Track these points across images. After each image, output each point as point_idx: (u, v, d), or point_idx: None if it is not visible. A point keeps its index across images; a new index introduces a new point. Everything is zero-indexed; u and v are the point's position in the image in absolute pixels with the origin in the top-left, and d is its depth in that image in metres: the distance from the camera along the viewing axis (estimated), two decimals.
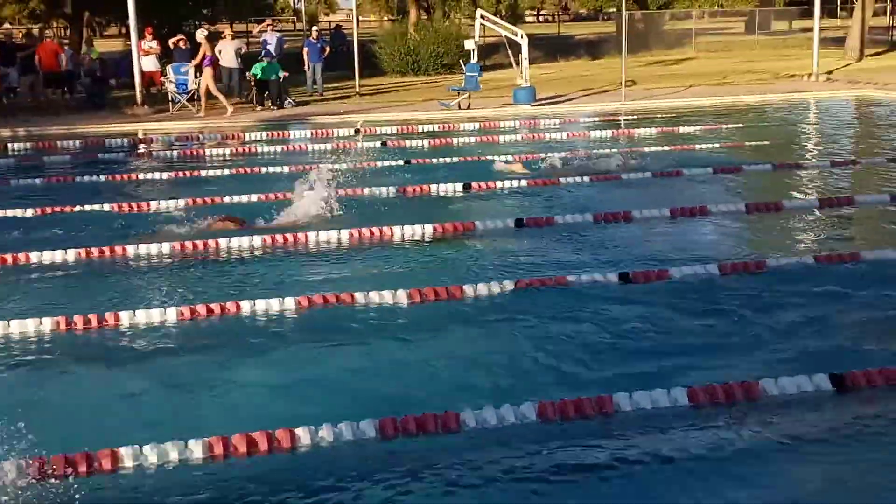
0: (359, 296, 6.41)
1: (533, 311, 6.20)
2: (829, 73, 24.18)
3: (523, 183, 10.64)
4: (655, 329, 5.81)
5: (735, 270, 6.88)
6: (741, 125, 15.36)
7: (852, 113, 17.93)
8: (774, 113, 17.49)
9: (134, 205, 9.99)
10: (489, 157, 12.36)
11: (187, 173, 12.01)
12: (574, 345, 5.57)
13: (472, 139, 14.89)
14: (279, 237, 8.12)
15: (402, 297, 6.41)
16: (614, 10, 43.19)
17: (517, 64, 19.37)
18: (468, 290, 6.52)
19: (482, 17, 19.67)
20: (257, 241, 8.06)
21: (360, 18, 45.86)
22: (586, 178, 10.70)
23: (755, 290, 6.52)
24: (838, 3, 52.33)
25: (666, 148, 13.02)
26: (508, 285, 6.59)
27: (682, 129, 15.08)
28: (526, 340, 5.70)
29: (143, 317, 6.12)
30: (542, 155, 12.15)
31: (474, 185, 10.47)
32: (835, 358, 5.17)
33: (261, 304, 6.30)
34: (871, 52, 32.80)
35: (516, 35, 19.02)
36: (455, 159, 12.66)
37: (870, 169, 11.05)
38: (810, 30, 25.44)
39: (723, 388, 4.62)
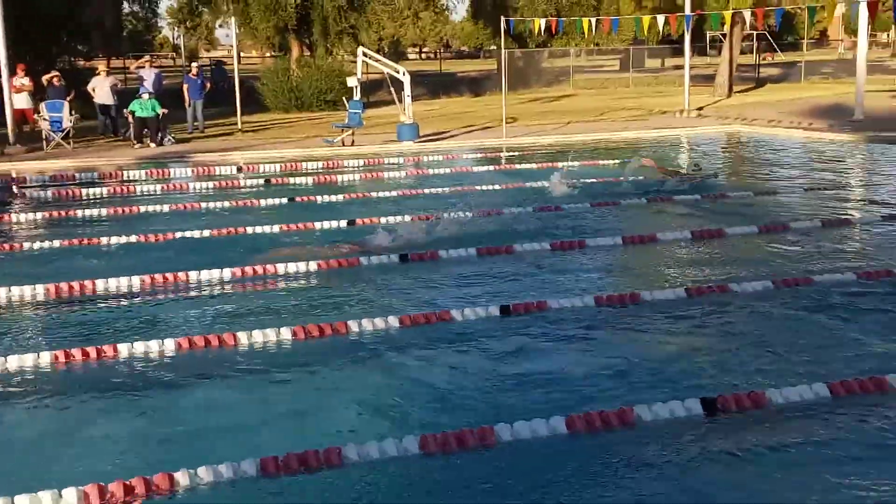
0: (242, 335, 6.34)
1: (418, 344, 6.25)
2: (700, 109, 25.19)
3: (407, 217, 10.72)
4: (534, 360, 5.93)
5: (611, 302, 7.08)
6: (618, 161, 15.85)
7: (722, 147, 18.70)
8: (649, 148, 18.08)
9: (6, 245, 9.66)
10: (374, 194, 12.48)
11: (62, 213, 11.66)
12: (455, 377, 5.63)
13: (357, 176, 14.93)
14: (158, 277, 7.97)
15: (286, 334, 6.38)
16: (495, 47, 43.99)
17: (400, 101, 19.56)
18: (353, 325, 6.54)
19: (364, 53, 19.80)
20: (136, 280, 7.90)
21: (242, 54, 45.50)
22: (469, 214, 10.87)
23: (630, 321, 6.73)
24: (708, 42, 54.61)
25: (545, 183, 13.29)
26: (392, 321, 6.64)
27: (561, 165, 15.43)
28: (410, 373, 5.73)
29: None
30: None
31: (359, 221, 10.51)
32: (706, 383, 5.38)
33: (139, 347, 6.16)
34: (739, 88, 34.33)
35: (398, 72, 19.21)
36: (339, 196, 12.68)
37: (738, 201, 11.53)
38: (682, 67, 26.45)
39: (599, 415, 4.75)
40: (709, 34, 51.20)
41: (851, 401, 5.06)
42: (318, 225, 10.30)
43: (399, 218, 10.69)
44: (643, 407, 4.86)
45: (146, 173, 15.29)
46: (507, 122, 20.54)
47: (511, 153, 17.63)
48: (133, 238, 9.86)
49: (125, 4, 36.91)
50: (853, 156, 15.97)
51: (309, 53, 32.24)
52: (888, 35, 78.38)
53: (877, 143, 17.17)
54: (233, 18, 26.18)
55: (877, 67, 43.31)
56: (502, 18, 20.23)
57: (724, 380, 5.48)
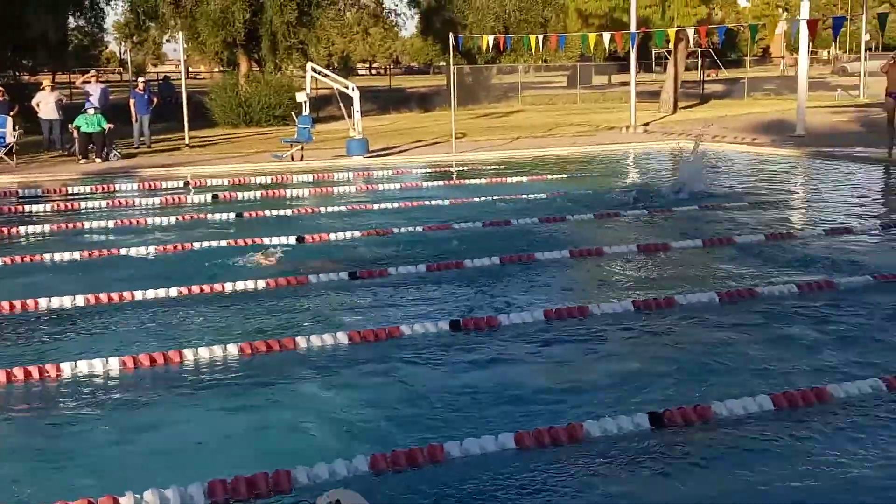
0: (188, 353, 6.27)
1: (368, 361, 6.24)
2: (646, 125, 25.53)
3: (357, 234, 10.70)
4: (484, 375, 5.94)
5: (559, 316, 7.12)
6: (565, 176, 16.00)
7: (667, 163, 18.95)
8: (596, 164, 18.29)
9: None
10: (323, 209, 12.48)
11: (3, 230, 11.46)
12: (405, 393, 5.63)
13: (306, 191, 14.88)
14: (103, 296, 7.85)
15: (233, 351, 6.33)
16: (444, 63, 44.18)
17: (349, 116, 19.55)
18: (301, 342, 6.51)
19: (313, 69, 19.77)
20: (79, 299, 7.78)
21: (190, 69, 45.15)
22: (419, 229, 10.90)
23: (579, 335, 6.78)
24: (653, 58, 55.38)
25: (494, 198, 13.37)
26: (342, 337, 6.62)
27: (510, 180, 15.54)
28: (360, 391, 5.71)
29: None
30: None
31: (308, 237, 10.47)
32: (653, 397, 5.44)
33: (82, 366, 6.07)
34: (684, 104, 34.83)
35: (347, 88, 19.20)
36: (288, 211, 12.62)
37: (683, 216, 11.69)
38: (628, 84, 26.79)
39: (548, 431, 4.77)
40: (654, 51, 51.91)
41: (794, 413, 5.14)
42: (266, 240, 10.23)
43: (349, 234, 10.67)
44: (592, 423, 4.89)
45: (91, 189, 15.08)
46: (456, 138, 20.62)
47: (460, 168, 17.70)
48: (77, 255, 9.72)
49: (71, 19, 36.37)
50: (795, 170, 16.28)
51: (258, 68, 32.11)
52: (829, 52, 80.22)
53: (818, 158, 17.52)
54: (180, 33, 26.03)
55: (818, 84, 44.26)
56: (451, 35, 20.32)
57: (672, 393, 5.53)
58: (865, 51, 42.56)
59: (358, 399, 5.59)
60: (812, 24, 18.75)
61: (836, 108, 30.65)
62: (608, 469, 4.57)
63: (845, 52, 76.46)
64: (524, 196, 13.55)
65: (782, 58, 68.71)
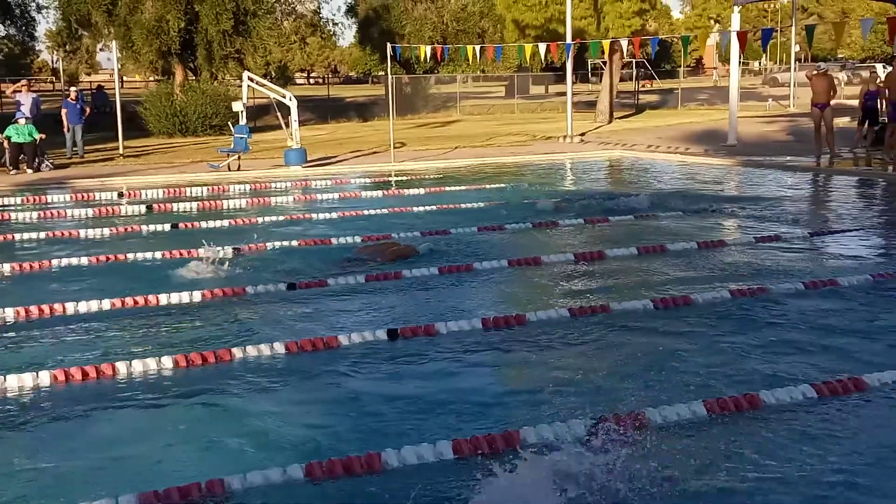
0: (121, 366, 6.18)
1: (305, 371, 6.21)
2: (583, 134, 25.82)
3: (294, 243, 10.65)
4: (422, 384, 5.96)
5: (497, 324, 7.17)
6: (503, 185, 16.11)
7: (603, 172, 19.20)
8: (534, 173, 18.44)
9: None
10: (261, 219, 12.43)
11: None
12: (343, 402, 5.62)
13: (242, 201, 14.76)
14: (34, 309, 7.71)
15: (167, 363, 6.26)
16: (383, 73, 44.25)
17: (287, 125, 19.45)
18: (237, 353, 6.46)
19: (250, 78, 19.63)
20: (9, 312, 7.62)
21: (125, 79, 44.50)
22: (357, 238, 10.88)
23: (517, 342, 6.84)
24: (589, 69, 56.03)
25: (433, 207, 13.41)
26: (279, 347, 6.58)
27: (448, 189, 15.60)
28: (296, 400, 5.69)
29: None
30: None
31: (244, 247, 10.39)
32: (589, 404, 5.49)
33: (12, 381, 5.94)
34: (620, 114, 35.34)
35: (285, 97, 19.10)
36: (225, 222, 12.50)
37: (618, 225, 11.84)
38: (565, 94, 27.08)
39: (486, 438, 4.80)
40: (590, 62, 52.54)
41: (727, 418, 5.23)
42: (201, 251, 10.12)
43: (287, 244, 10.61)
44: (529, 429, 4.93)
45: (22, 200, 14.78)
46: (395, 147, 20.63)
47: (400, 178, 17.72)
48: (7, 267, 9.52)
49: (0, 27, 35.64)
50: (727, 179, 16.60)
51: (194, 78, 31.77)
52: (759, 63, 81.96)
53: (749, 167, 17.91)
54: (114, 42, 25.64)
55: (749, 94, 45.24)
56: (388, 45, 20.35)
57: (607, 400, 5.59)
58: (795, 61, 43.58)
59: (295, 409, 5.56)
60: (742, 36, 19.15)
61: (767, 117, 31.35)
62: (545, 476, 4.60)
63: (776, 62, 78.22)
64: (463, 205, 13.61)
65: (714, 68, 70.04)
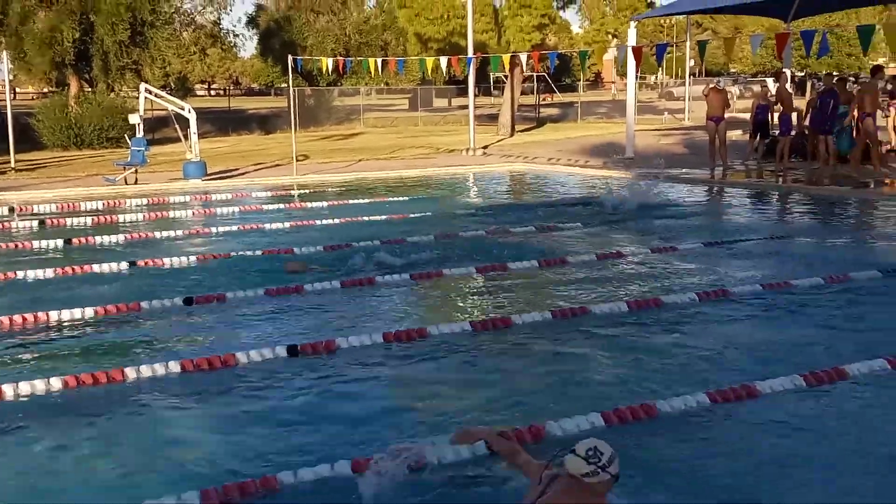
0: (7, 388, 5.94)
1: (200, 390, 6.08)
2: (485, 147, 26.03)
3: (193, 258, 10.43)
4: (322, 401, 5.88)
5: (399, 338, 7.14)
6: (406, 198, 16.10)
7: (505, 184, 19.38)
8: (437, 185, 18.51)
9: None
10: (158, 234, 12.16)
11: None
12: (240, 422, 5.51)
13: (140, 215, 14.41)
14: None
15: (56, 384, 6.04)
16: (286, 85, 43.93)
17: (186, 138, 19.10)
18: (130, 373, 6.27)
19: (147, 90, 19.22)
20: None
21: (17, 90, 43.12)
22: (258, 253, 10.73)
23: (417, 357, 6.81)
24: (492, 82, 56.58)
25: (336, 221, 13.32)
26: (174, 366, 6.42)
27: (351, 202, 15.53)
28: (192, 422, 5.55)
29: None
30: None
31: (140, 262, 10.15)
32: (489, 418, 5.51)
33: None
34: (522, 128, 35.75)
35: (184, 109, 18.76)
36: (121, 237, 12.18)
37: (520, 237, 11.94)
38: (468, 107, 27.26)
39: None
40: (492, 75, 53.07)
41: (625, 429, 5.30)
42: (95, 268, 9.84)
43: (185, 258, 10.39)
44: (426, 444, 4.90)
45: None
46: (298, 160, 20.46)
47: (302, 191, 17.57)
48: None
49: None
50: (625, 191, 16.89)
51: (90, 89, 30.97)
52: (656, 77, 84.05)
53: (646, 179, 18.28)
54: (5, 52, 24.80)
55: (646, 108, 46.33)
56: (290, 57, 20.18)
57: (506, 414, 5.61)
58: (690, 76, 44.82)
59: (190, 430, 5.43)
60: (638, 51, 19.58)
61: (664, 131, 32.12)
62: (446, 491, 4.60)
63: (672, 77, 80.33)
64: (366, 218, 13.55)
65: (613, 83, 71.56)
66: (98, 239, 11.98)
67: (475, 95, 26.99)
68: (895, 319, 7.81)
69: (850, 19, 58.15)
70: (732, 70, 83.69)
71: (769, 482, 4.67)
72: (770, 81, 23.22)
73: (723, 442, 5.22)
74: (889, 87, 21.81)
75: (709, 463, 4.92)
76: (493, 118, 36.53)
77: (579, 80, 60.36)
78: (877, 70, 18.76)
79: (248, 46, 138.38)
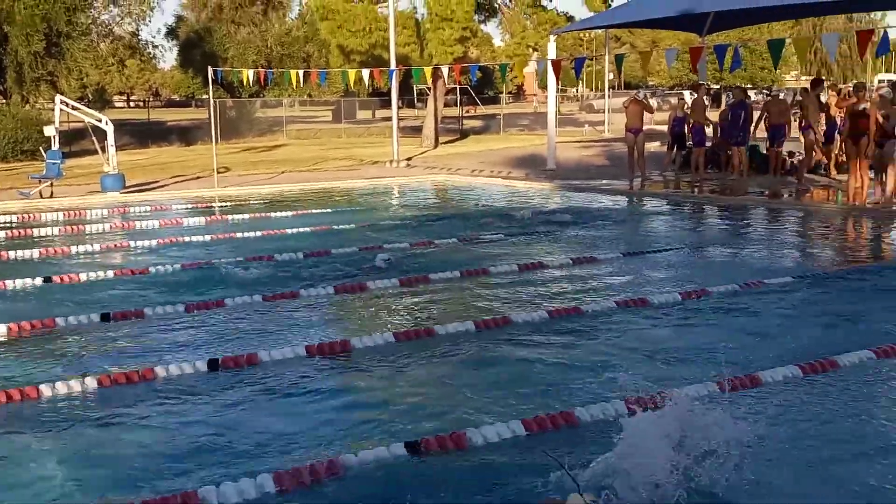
0: None
1: (118, 406, 5.97)
2: (409, 159, 26.10)
3: (110, 273, 10.25)
4: (243, 415, 5.84)
5: (322, 351, 7.12)
6: (330, 210, 16.06)
7: (429, 196, 19.45)
8: (360, 197, 18.50)
9: None
10: (74, 248, 11.92)
11: None
12: (159, 439, 5.43)
13: (55, 229, 14.10)
14: None
15: None
16: (206, 96, 43.45)
17: (103, 150, 18.76)
18: (45, 389, 6.14)
19: (63, 102, 18.83)
20: None
21: None
22: (177, 266, 10.60)
23: (341, 369, 6.81)
24: (415, 94, 56.77)
25: (259, 234, 13.22)
26: (90, 382, 6.30)
27: (274, 215, 15.43)
28: (108, 439, 5.46)
29: None
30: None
31: (56, 278, 9.93)
32: (413, 427, 5.53)
33: None
34: (445, 139, 35.92)
35: (101, 121, 18.43)
36: (35, 252, 11.89)
37: (443, 248, 12.00)
38: (391, 119, 27.33)
39: (308, 469, 4.74)
40: (416, 87, 53.23)
41: (545, 437, 5.37)
42: (9, 283, 9.60)
43: (102, 273, 10.20)
44: (350, 455, 4.91)
45: None
46: (219, 172, 20.25)
47: (223, 203, 17.38)
48: None
49: None
50: (547, 202, 17.13)
51: (3, 101, 30.19)
52: (577, 90, 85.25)
53: (567, 190, 18.56)
54: None
55: (567, 120, 46.98)
56: (210, 68, 19.98)
57: (429, 423, 5.63)
58: (609, 89, 45.59)
59: (107, 447, 5.33)
60: (556, 64, 19.87)
61: (584, 142, 32.61)
62: (368, 501, 4.61)
63: (592, 89, 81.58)
64: (288, 230, 13.48)
65: (534, 95, 72.38)
66: (12, 254, 11.67)
67: (399, 107, 27.08)
68: (807, 325, 8.05)
69: (762, 34, 59.81)
70: (651, 83, 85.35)
71: (685, 490, 4.77)
72: (687, 94, 23.76)
73: (641, 447, 5.31)
74: (800, 98, 22.52)
75: (630, 468, 4.99)
76: (417, 130, 36.64)
77: (502, 92, 60.95)
78: (817, 83, 19.24)
79: (168, 58, 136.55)
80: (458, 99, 48.02)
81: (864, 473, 4.87)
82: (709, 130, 20.17)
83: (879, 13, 64.35)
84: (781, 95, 20.26)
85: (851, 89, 17.38)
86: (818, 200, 16.09)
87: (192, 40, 45.93)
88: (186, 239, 12.79)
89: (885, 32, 15.72)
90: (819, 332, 7.76)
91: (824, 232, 13.47)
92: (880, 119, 14.62)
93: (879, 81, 54.57)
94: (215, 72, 20.13)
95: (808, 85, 20.18)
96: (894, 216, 14.08)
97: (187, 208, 17.01)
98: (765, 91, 60.11)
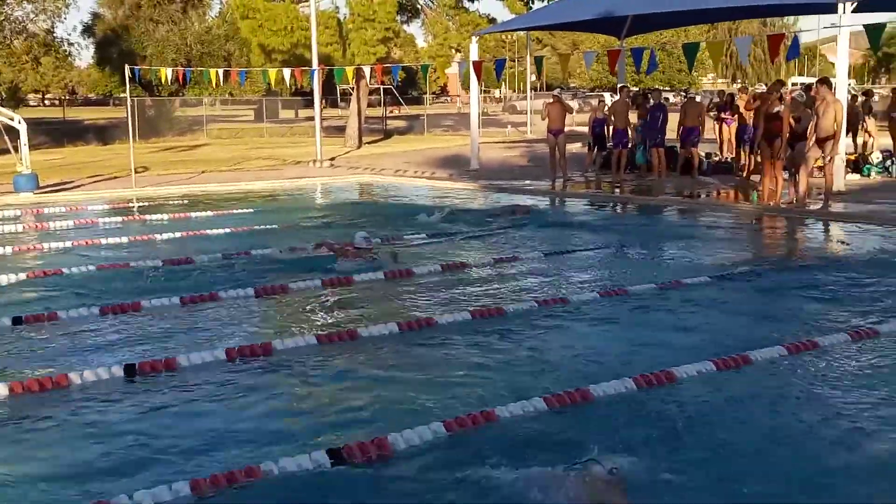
0: None
1: (30, 414, 5.80)
2: (332, 159, 25.96)
3: (22, 276, 9.96)
4: (161, 421, 5.72)
5: (242, 354, 7.02)
6: (252, 210, 15.87)
7: (352, 196, 19.36)
8: (283, 198, 18.33)
9: None
10: None
11: None
12: (73, 445, 5.30)
13: None
14: None
15: None
16: (124, 94, 42.59)
17: (16, 149, 18.25)
18: None
19: None
20: None
21: None
22: (92, 268, 10.36)
23: (262, 373, 6.72)
24: (339, 94, 56.48)
25: (178, 234, 13.00)
26: (1, 389, 6.11)
27: (194, 215, 15.19)
28: (19, 448, 5.30)
29: None
30: None
31: None
32: (336, 434, 5.48)
33: None
34: (369, 139, 35.83)
35: (13, 120, 17.93)
36: None
37: (362, 250, 11.91)
38: (314, 118, 27.13)
39: (225, 476, 4.67)
40: (339, 87, 52.97)
41: (465, 437, 5.37)
42: None
43: (13, 276, 9.91)
44: (270, 463, 4.84)
45: None
46: (137, 172, 19.87)
47: (141, 203, 17.05)
48: None
49: None
50: (470, 202, 17.19)
51: None
52: (500, 91, 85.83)
53: (490, 190, 18.66)
54: None
55: (491, 121, 47.25)
56: (127, 66, 19.58)
57: (352, 428, 5.59)
58: (531, 90, 45.98)
59: (19, 457, 5.18)
60: (478, 66, 19.96)
61: (507, 143, 32.85)
62: None
63: (515, 91, 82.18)
64: (208, 231, 13.28)
65: (457, 96, 72.66)
66: None
67: (322, 107, 26.90)
68: (722, 322, 8.23)
69: (680, 37, 60.96)
70: (572, 85, 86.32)
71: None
72: (607, 96, 24.07)
73: (564, 443, 5.35)
74: (716, 100, 23.03)
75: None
76: (341, 130, 36.46)
77: (425, 92, 61.02)
78: (780, 84, 19.48)
79: (85, 55, 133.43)
80: (382, 99, 47.93)
81: (770, 465, 4.99)
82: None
83: (792, 18, 66.25)
84: (698, 98, 20.60)
85: (759, 92, 17.82)
86: (734, 201, 16.45)
87: (109, 38, 44.99)
88: (102, 240, 12.50)
89: (796, 37, 16.18)
90: (734, 329, 7.94)
91: (740, 232, 13.79)
92: (793, 122, 15.01)
93: (793, 84, 56.14)
94: (133, 70, 19.74)
95: (724, 87, 20.60)
96: (807, 216, 14.48)
97: (104, 209, 16.64)
98: (682, 93, 61.37)
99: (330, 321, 8.39)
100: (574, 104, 41.58)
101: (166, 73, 20.98)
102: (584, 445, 5.05)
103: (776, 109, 15.00)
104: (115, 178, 21.23)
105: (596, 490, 4.42)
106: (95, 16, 49.37)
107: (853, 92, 23.26)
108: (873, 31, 15.14)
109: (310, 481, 4.78)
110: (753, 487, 4.76)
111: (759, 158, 16.71)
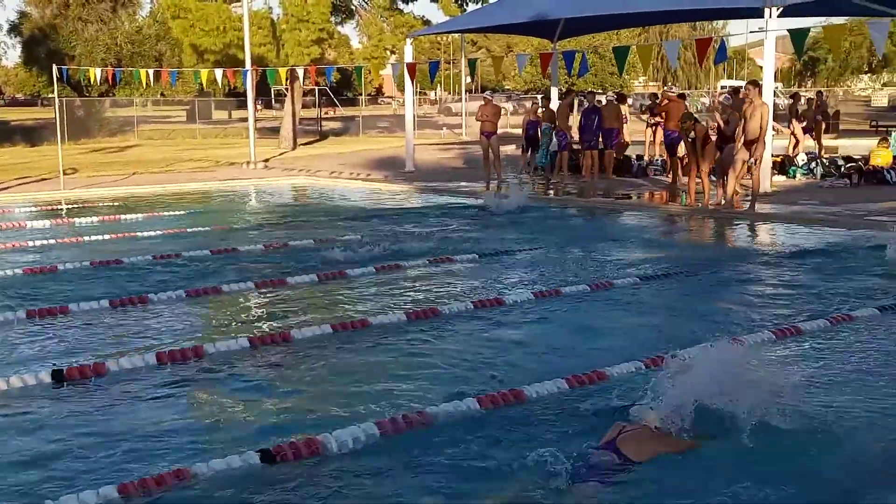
0: None
1: None
2: (267, 160, 25.78)
3: None
4: (87, 426, 5.63)
5: (174, 358, 6.94)
6: (183, 212, 15.68)
7: (286, 198, 19.25)
8: (215, 200, 18.14)
9: None
10: None
11: None
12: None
13: None
14: None
15: None
16: (52, 95, 41.70)
17: None
18: None
19: None
20: None
21: None
22: (17, 272, 10.15)
23: (194, 376, 6.66)
24: (273, 95, 56.06)
25: (108, 237, 12.80)
26: None
27: (124, 217, 14.97)
28: None
29: None
30: None
31: None
32: (268, 435, 5.45)
33: None
34: (304, 141, 35.64)
35: None
36: None
37: (299, 251, 11.89)
38: (248, 119, 26.90)
39: (155, 479, 4.63)
40: (273, 88, 52.57)
41: (400, 438, 5.38)
42: None
43: None
44: (201, 464, 4.81)
45: None
46: (66, 174, 19.48)
47: (70, 206, 16.73)
48: None
49: None
50: (406, 204, 17.20)
51: None
52: (436, 93, 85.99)
53: (426, 192, 18.70)
54: None
55: (426, 123, 47.33)
56: (54, 66, 19.20)
57: (286, 429, 5.56)
58: (466, 92, 46.17)
59: None
60: (412, 67, 20.00)
61: (442, 145, 32.93)
62: None
63: (450, 93, 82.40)
64: (139, 234, 13.10)
65: (393, 97, 72.61)
66: None
67: (256, 108, 26.68)
68: (650, 322, 8.36)
69: (612, 40, 61.77)
70: (507, 87, 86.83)
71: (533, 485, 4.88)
72: (541, 98, 24.26)
73: (503, 441, 5.39)
74: (648, 103, 23.38)
75: (488, 465, 5.07)
76: (275, 131, 36.20)
77: (360, 94, 60.86)
78: (755, 84, 19.67)
79: (12, 55, 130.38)
80: (317, 100, 47.68)
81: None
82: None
83: (721, 22, 67.48)
84: (615, 101, 20.82)
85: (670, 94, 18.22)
86: (663, 203, 16.72)
87: (36, 37, 44.02)
88: (28, 243, 12.25)
89: (723, 41, 16.51)
90: (663, 327, 8.08)
91: (668, 233, 14.03)
92: (722, 124, 15.32)
93: (721, 87, 57.19)
94: (60, 70, 19.36)
95: (655, 90, 20.94)
96: (734, 217, 14.78)
97: (30, 211, 16.30)
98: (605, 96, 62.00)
99: (263, 323, 8.33)
100: (508, 106, 41.90)
101: (95, 73, 20.62)
102: (530, 448, 5.12)
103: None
104: (44, 179, 20.81)
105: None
106: (22, 14, 48.26)
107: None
108: (797, 35, 15.52)
109: (241, 482, 4.76)
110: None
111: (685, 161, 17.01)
